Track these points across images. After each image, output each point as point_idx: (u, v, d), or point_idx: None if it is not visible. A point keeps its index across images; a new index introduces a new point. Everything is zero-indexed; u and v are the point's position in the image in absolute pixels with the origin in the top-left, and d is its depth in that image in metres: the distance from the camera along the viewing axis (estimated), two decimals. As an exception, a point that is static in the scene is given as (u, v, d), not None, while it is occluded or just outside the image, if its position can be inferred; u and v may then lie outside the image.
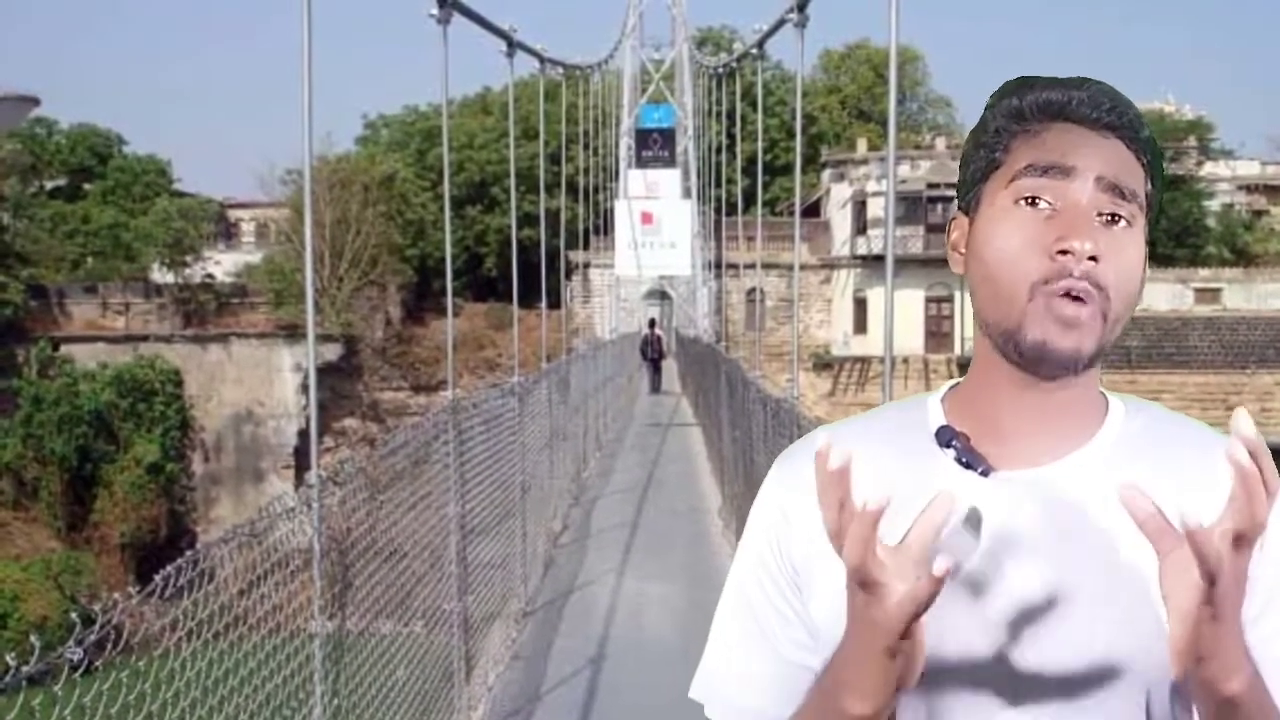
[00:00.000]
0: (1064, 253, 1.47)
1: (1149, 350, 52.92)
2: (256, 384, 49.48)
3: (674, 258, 48.93)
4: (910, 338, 51.00)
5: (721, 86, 38.46)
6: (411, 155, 64.77)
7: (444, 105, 12.76)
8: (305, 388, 45.39)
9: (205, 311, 51.65)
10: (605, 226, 50.65)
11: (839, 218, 58.46)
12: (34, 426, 42.60)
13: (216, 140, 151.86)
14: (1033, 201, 1.51)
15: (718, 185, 44.41)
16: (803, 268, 50.54)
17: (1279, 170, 64.21)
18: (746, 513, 1.73)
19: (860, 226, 56.90)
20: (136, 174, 62.52)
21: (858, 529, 1.31)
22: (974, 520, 1.50)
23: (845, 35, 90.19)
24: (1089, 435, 1.56)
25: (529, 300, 29.52)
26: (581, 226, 46.42)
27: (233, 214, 68.00)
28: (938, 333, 54.56)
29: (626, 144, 53.52)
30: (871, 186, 56.13)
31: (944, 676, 1.48)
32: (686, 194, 52.23)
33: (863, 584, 1.34)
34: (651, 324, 43.53)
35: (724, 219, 41.46)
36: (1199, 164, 61.33)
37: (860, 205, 57.25)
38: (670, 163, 52.23)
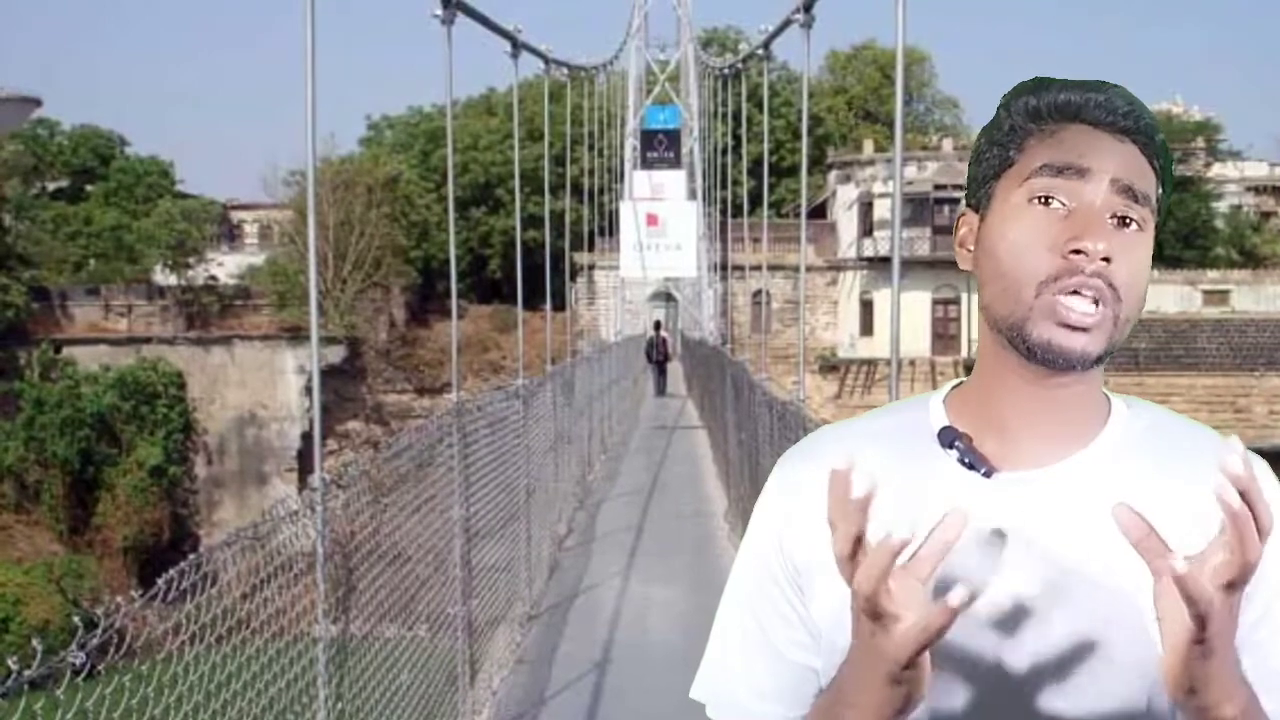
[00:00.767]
0: (1077, 252, 1.48)
1: (1157, 353, 52.92)
2: (260, 386, 49.50)
3: (679, 260, 48.82)
4: (917, 340, 51.06)
5: (727, 87, 38.38)
6: (415, 156, 64.77)
7: (448, 106, 12.76)
8: (309, 390, 45.45)
9: (208, 314, 51.68)
10: (610, 228, 50.62)
11: (845, 219, 58.49)
12: (36, 429, 42.68)
13: (219, 141, 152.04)
14: (1046, 201, 1.51)
15: (723, 187, 44.33)
16: (809, 270, 50.54)
17: (1287, 172, 64.13)
18: (751, 516, 1.74)
19: (867, 228, 56.94)
20: (139, 175, 62.50)
21: (876, 560, 1.29)
22: (992, 540, 1.50)
23: (851, 36, 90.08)
24: (1092, 436, 1.57)
25: (533, 302, 29.54)
26: (586, 228, 46.46)
27: (236, 215, 68.04)
28: (944, 335, 54.60)
29: (631, 145, 53.43)
30: (878, 188, 56.19)
31: (945, 676, 1.47)
32: (692, 195, 52.14)
33: (871, 614, 1.33)
34: (657, 326, 43.49)
35: (729, 220, 41.39)
36: (1207, 165, 61.29)
37: (867, 207, 57.29)
38: (675, 164, 52.16)
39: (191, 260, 53.65)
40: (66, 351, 47.48)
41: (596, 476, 22.30)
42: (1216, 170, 62.02)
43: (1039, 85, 1.57)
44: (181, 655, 4.74)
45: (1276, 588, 1.49)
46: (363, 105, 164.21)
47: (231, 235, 66.55)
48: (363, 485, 7.23)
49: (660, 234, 47.76)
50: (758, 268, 39.28)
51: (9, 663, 3.33)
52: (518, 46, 16.49)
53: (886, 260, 48.34)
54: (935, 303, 54.18)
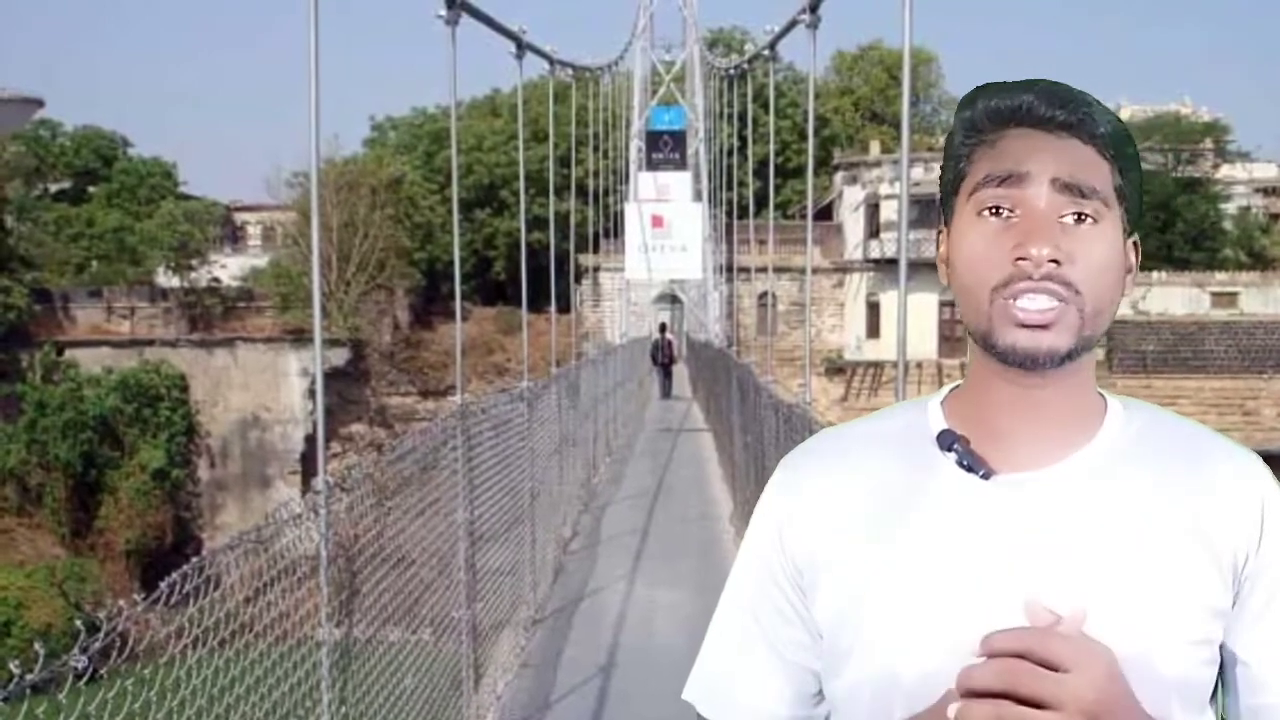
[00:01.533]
0: (1023, 259, 1.50)
1: (1165, 355, 52.90)
2: (263, 389, 49.53)
3: (685, 261, 48.85)
4: (924, 342, 50.91)
5: (733, 88, 38.47)
6: (419, 158, 64.79)
7: (452, 107, 12.78)
8: (312, 393, 45.54)
9: (211, 316, 51.73)
10: (615, 230, 50.71)
11: (852, 221, 58.46)
12: (38, 432, 42.74)
13: (222, 143, 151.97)
14: (997, 211, 1.54)
15: (729, 188, 44.36)
16: (815, 271, 50.50)
17: (1296, 173, 63.99)
18: (756, 518, 1.77)
19: (873, 230, 56.92)
20: (142, 177, 62.54)
21: None
22: (992, 542, 1.53)
23: (858, 36, 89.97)
24: (1088, 438, 1.58)
25: (538, 304, 29.44)
26: (591, 230, 46.46)
27: (239, 217, 68.08)
28: (951, 337, 54.45)
29: (637, 146, 53.49)
30: (884, 189, 56.14)
31: (947, 677, 1.47)
32: (697, 197, 52.20)
33: None
34: (662, 328, 43.51)
35: (735, 222, 41.42)
36: (1215, 166, 61.09)
37: (873, 208, 57.26)
38: (681, 165, 52.17)
39: (194, 262, 53.67)
40: (69, 354, 47.54)
41: (601, 479, 22.30)
42: (1225, 171, 61.78)
43: (974, 96, 1.59)
44: (184, 659, 4.72)
45: (1277, 583, 1.52)
46: (366, 106, 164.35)
47: (234, 237, 66.57)
48: (366, 488, 7.23)
49: (665, 236, 47.79)
50: (763, 269, 39.33)
51: (11, 666, 3.32)
52: (522, 47, 16.46)
53: (893, 262, 48.19)
54: (943, 304, 54.00)
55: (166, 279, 54.10)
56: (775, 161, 21.14)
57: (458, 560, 9.29)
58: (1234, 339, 54.42)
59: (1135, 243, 1.60)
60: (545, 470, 14.42)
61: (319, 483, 6.49)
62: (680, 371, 43.03)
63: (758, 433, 14.34)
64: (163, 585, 4.39)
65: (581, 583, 14.51)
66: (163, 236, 53.97)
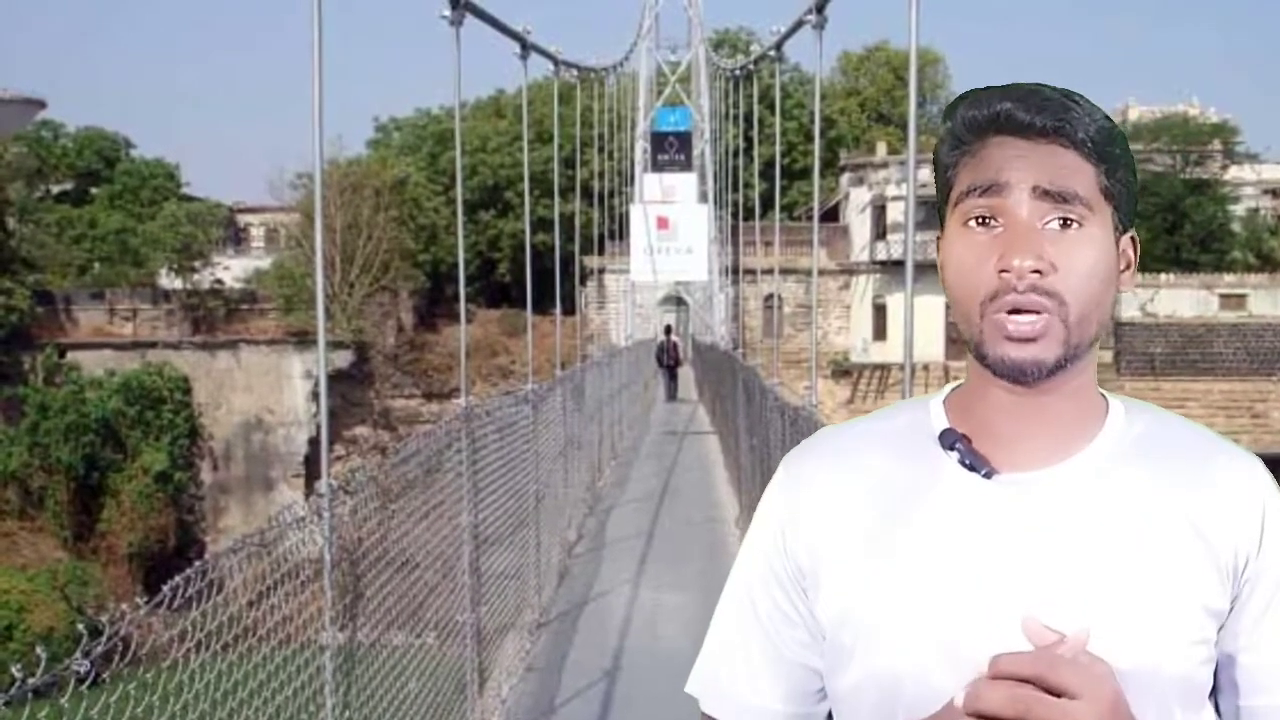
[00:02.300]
0: (1005, 271, 1.50)
1: (1173, 357, 52.93)
2: (266, 391, 49.56)
3: (690, 263, 48.89)
4: (930, 344, 50.82)
5: (739, 89, 38.36)
6: (424, 159, 64.82)
7: (456, 108, 12.71)
8: (316, 395, 45.60)
9: (214, 318, 51.80)
10: (620, 231, 50.71)
11: (858, 222, 58.45)
12: (40, 434, 42.75)
13: (225, 144, 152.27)
14: (983, 221, 1.54)
15: (735, 189, 44.42)
16: (821, 273, 50.58)
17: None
18: (761, 521, 1.78)
19: (880, 231, 56.94)
20: (144, 178, 62.68)
21: None
22: (993, 541, 1.54)
23: (864, 37, 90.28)
24: (1089, 438, 1.59)
25: (543, 306, 29.42)
26: (596, 231, 46.40)
27: (242, 219, 68.25)
28: (958, 339, 54.28)
29: (642, 147, 53.47)
30: (891, 190, 56.14)
31: (948, 677, 1.48)
32: (703, 198, 52.21)
33: None
34: (668, 330, 43.47)
35: (741, 224, 41.42)
36: (1224, 168, 60.99)
37: (879, 210, 57.27)
38: (686, 166, 52.21)
39: (197, 264, 53.78)
40: (71, 356, 47.62)
41: (606, 482, 22.29)
42: (1233, 173, 61.62)
43: (956, 105, 1.60)
44: (187, 663, 4.72)
45: (1277, 584, 1.53)
46: (370, 107, 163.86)
47: (237, 238, 66.71)
48: (370, 491, 7.22)
49: (671, 237, 47.83)
50: (769, 271, 39.14)
51: (13, 670, 3.32)
52: (527, 48, 16.48)
53: (900, 264, 48.25)
54: (949, 307, 54.06)
55: (169, 281, 54.20)
56: (781, 163, 21.08)
57: (462, 564, 9.29)
58: (1242, 341, 54.37)
59: (1133, 238, 1.60)
60: (550, 473, 14.42)
61: (323, 486, 6.47)
62: (686, 374, 43.04)
63: (763, 435, 14.31)
64: (165, 589, 4.47)
65: (586, 586, 14.49)
66: (165, 238, 54.04)
